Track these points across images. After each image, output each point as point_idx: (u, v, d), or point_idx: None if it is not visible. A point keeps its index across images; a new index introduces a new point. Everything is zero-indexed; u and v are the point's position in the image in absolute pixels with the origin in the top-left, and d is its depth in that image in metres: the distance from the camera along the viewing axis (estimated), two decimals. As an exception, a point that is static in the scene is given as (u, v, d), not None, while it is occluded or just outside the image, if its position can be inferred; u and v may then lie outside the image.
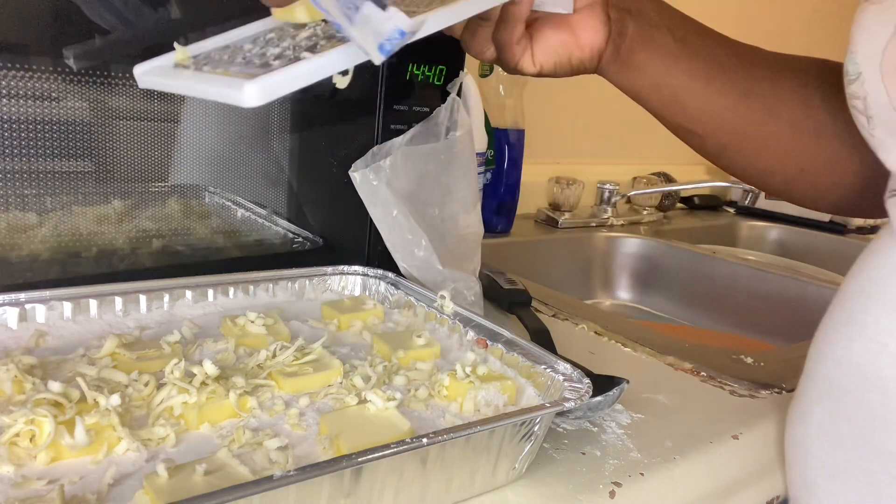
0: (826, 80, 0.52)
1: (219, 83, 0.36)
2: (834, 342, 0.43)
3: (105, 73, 0.54)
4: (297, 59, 0.37)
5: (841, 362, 0.42)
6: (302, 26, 0.41)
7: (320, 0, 0.35)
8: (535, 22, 0.51)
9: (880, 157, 0.43)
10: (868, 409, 0.40)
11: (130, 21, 0.53)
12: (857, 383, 0.41)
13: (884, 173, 0.43)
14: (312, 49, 0.38)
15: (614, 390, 0.49)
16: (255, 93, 0.34)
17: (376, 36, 0.34)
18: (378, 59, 0.34)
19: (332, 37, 0.39)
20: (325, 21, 0.40)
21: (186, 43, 0.41)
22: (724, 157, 0.57)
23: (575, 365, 0.44)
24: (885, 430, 0.39)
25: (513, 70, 0.52)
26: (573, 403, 0.40)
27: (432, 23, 0.39)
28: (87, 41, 0.48)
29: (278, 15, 0.41)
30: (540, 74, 0.52)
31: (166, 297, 0.54)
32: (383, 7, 0.33)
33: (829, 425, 0.43)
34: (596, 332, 0.69)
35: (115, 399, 0.38)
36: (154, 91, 0.57)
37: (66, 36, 0.52)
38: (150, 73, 0.40)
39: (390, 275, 0.61)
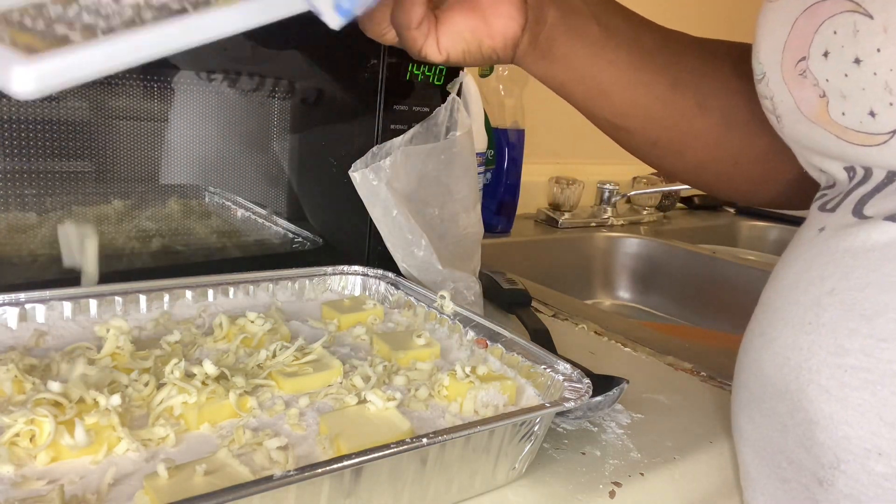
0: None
1: None
2: (749, 352, 0.43)
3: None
4: (111, 28, 0.28)
5: (756, 373, 0.42)
6: None
7: None
8: (441, 4, 0.46)
9: (797, 155, 0.43)
10: (779, 420, 0.40)
11: None
12: (769, 394, 0.41)
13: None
14: (133, 18, 0.29)
15: (614, 390, 0.49)
16: (29, 79, 0.25)
17: None
18: (335, 23, 0.30)
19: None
20: None
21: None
22: (654, 153, 0.55)
23: (575, 365, 0.44)
24: (794, 442, 0.39)
25: (417, 56, 0.47)
26: (573, 403, 0.40)
27: None
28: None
29: None
30: (447, 63, 0.48)
31: (166, 297, 0.54)
32: None
33: (750, 433, 0.43)
34: (596, 332, 0.69)
35: (116, 399, 0.38)
36: (154, 91, 0.57)
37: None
38: None
39: (390, 275, 0.61)
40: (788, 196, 0.54)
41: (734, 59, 0.51)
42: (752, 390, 0.42)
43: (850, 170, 0.39)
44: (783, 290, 0.41)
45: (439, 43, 0.46)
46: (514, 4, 0.47)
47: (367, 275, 0.63)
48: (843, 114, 0.36)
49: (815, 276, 0.38)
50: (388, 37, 0.48)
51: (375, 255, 0.66)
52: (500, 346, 0.50)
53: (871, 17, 0.34)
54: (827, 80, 0.37)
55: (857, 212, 0.38)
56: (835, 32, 0.36)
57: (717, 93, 0.50)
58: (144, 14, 0.29)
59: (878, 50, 0.33)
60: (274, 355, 0.46)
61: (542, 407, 0.40)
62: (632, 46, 0.49)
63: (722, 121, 0.51)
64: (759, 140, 0.50)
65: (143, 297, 0.52)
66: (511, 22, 0.47)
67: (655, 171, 1.43)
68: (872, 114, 0.35)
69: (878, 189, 0.37)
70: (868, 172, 0.38)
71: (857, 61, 0.35)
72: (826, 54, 0.36)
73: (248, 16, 0.30)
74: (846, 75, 0.35)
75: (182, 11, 0.29)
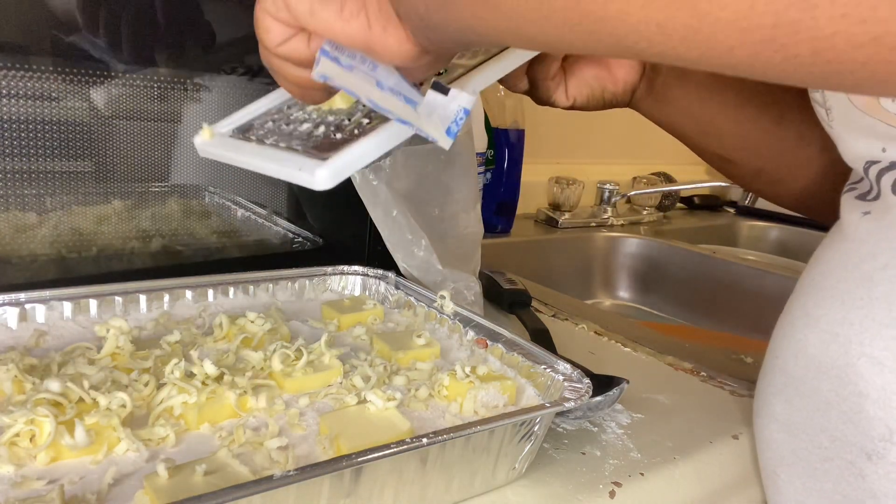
0: None
1: (288, 163, 0.36)
2: (790, 335, 0.44)
3: (105, 73, 0.54)
4: (357, 134, 0.37)
5: (797, 354, 0.43)
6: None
7: (375, 99, 0.34)
8: (569, 57, 0.51)
9: (839, 149, 0.44)
10: (822, 398, 0.41)
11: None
12: (811, 373, 0.42)
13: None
14: (368, 118, 0.38)
15: (614, 390, 0.49)
16: (327, 176, 0.35)
17: (443, 121, 0.33)
18: (447, 144, 0.34)
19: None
20: None
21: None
22: (758, 182, 0.58)
23: (575, 365, 0.44)
24: (839, 418, 0.40)
25: (544, 103, 0.53)
26: (573, 403, 0.40)
27: (480, 84, 0.40)
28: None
29: (324, 106, 0.41)
30: (572, 108, 0.53)
31: (166, 297, 0.54)
32: (445, 92, 0.33)
33: (786, 416, 0.44)
34: (596, 332, 0.69)
35: (123, 398, 0.38)
36: (154, 91, 0.57)
37: (66, 36, 0.52)
38: (210, 145, 0.41)
39: (390, 275, 0.61)
40: None
41: None
42: (791, 372, 0.43)
43: (870, 163, 0.41)
44: (829, 270, 0.42)
45: (567, 91, 0.52)
46: None
47: (367, 275, 0.63)
48: (894, 101, 0.38)
49: (866, 253, 0.40)
50: (521, 86, 0.52)
51: (375, 255, 0.66)
52: (500, 346, 0.50)
53: None
54: None
55: None
56: None
57: (817, 126, 0.54)
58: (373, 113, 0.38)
59: None
60: (274, 351, 0.46)
61: (542, 407, 0.40)
62: (738, 86, 0.54)
63: (822, 153, 0.53)
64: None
65: (143, 297, 0.52)
66: (632, 71, 0.53)
67: (658, 179, 1.43)
68: None
69: None
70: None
71: None
72: None
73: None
74: None
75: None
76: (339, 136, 0.37)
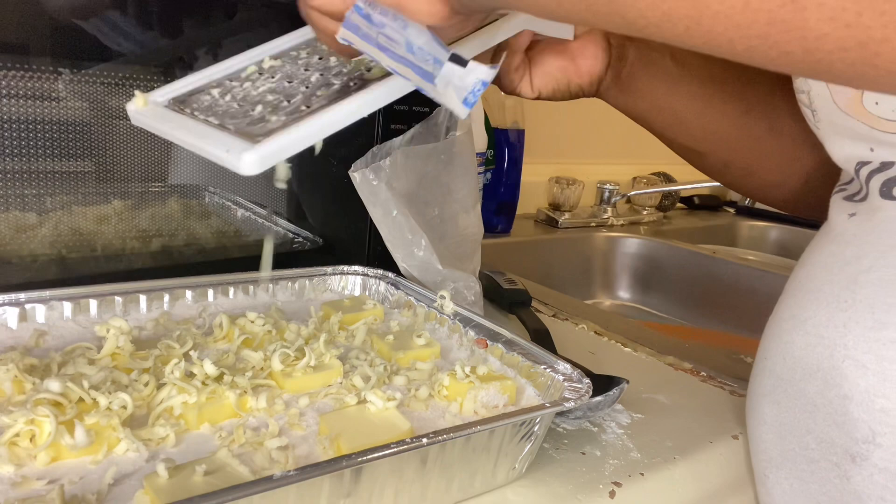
0: None
1: (216, 142, 0.35)
2: (778, 337, 0.44)
3: (105, 73, 0.54)
4: (294, 117, 0.36)
5: (784, 356, 0.43)
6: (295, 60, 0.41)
7: (394, 65, 0.34)
8: (534, 46, 0.51)
9: (828, 150, 0.44)
10: (809, 401, 0.41)
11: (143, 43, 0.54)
12: (798, 375, 0.42)
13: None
14: (308, 104, 0.37)
15: (614, 390, 0.49)
16: (253, 161, 0.33)
17: (459, 91, 0.33)
18: (464, 113, 0.34)
19: (335, 78, 0.38)
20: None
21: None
22: (727, 173, 0.58)
23: (575, 365, 0.44)
24: (825, 420, 0.40)
25: (510, 93, 0.52)
26: (573, 403, 0.40)
27: (469, 52, 0.40)
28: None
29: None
30: (539, 98, 0.53)
31: (166, 297, 0.54)
32: (463, 63, 0.33)
33: (774, 418, 0.44)
34: (596, 332, 0.69)
35: (123, 398, 0.38)
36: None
37: (66, 36, 0.52)
38: (143, 114, 0.39)
39: (390, 275, 0.61)
40: None
41: None
42: (779, 374, 0.44)
43: (861, 164, 0.41)
44: (815, 272, 0.42)
45: (532, 82, 0.52)
46: (599, 46, 0.52)
47: (367, 275, 0.63)
48: (877, 103, 0.38)
49: (851, 255, 0.40)
50: None
51: (375, 255, 0.66)
52: (500, 346, 0.50)
53: None
54: None
55: (886, 194, 0.39)
56: None
57: (786, 116, 0.53)
58: (317, 94, 0.38)
59: None
60: (274, 351, 0.46)
61: (542, 407, 0.40)
62: (705, 77, 0.53)
63: (791, 142, 0.53)
64: (828, 160, 0.53)
65: (143, 297, 0.52)
66: (596, 62, 0.52)
67: (655, 178, 1.43)
68: None
69: None
70: (886, 164, 0.39)
71: None
72: None
73: (394, 90, 0.38)
74: None
75: (345, 87, 0.38)
76: (274, 118, 0.36)
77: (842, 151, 0.42)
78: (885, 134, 0.38)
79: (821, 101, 0.42)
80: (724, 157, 0.56)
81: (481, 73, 0.33)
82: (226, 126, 0.36)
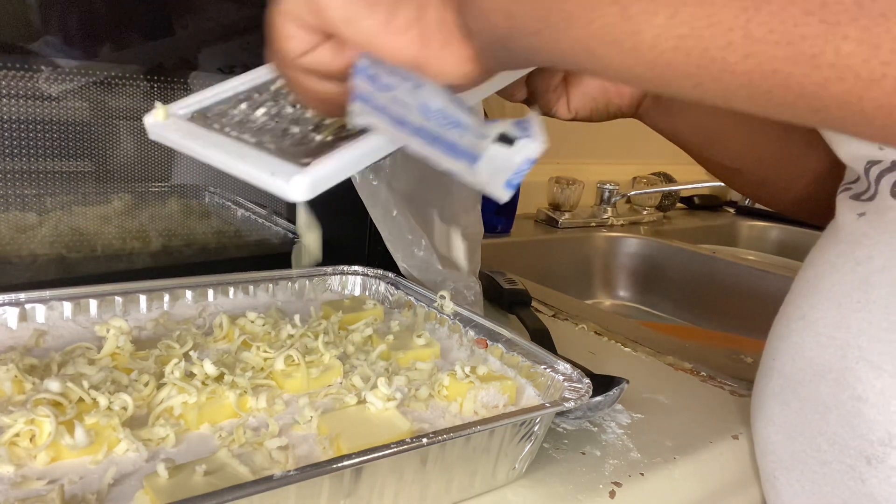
0: None
1: (257, 163, 0.31)
2: (787, 337, 0.44)
3: (105, 73, 0.54)
4: (342, 136, 0.32)
5: (794, 357, 0.43)
6: None
7: (422, 148, 0.29)
8: None
9: (834, 149, 0.43)
10: (820, 402, 0.41)
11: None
12: (809, 376, 0.42)
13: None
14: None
15: (614, 390, 0.49)
16: (305, 186, 0.30)
17: (503, 173, 0.28)
18: (506, 197, 0.29)
19: None
20: None
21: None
22: (762, 190, 0.58)
23: (575, 365, 0.44)
24: (837, 422, 0.40)
25: (545, 114, 0.50)
26: (573, 403, 0.40)
27: (478, 96, 0.37)
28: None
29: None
30: (574, 119, 0.51)
31: (166, 297, 0.54)
32: (511, 142, 0.28)
33: (783, 418, 0.44)
34: (596, 332, 0.69)
35: (123, 398, 0.38)
36: (155, 90, 0.57)
37: (66, 36, 0.52)
38: (164, 127, 0.36)
39: (390, 275, 0.61)
40: None
41: None
42: (789, 375, 0.43)
43: (871, 163, 0.40)
44: (824, 272, 0.42)
45: (570, 103, 0.50)
46: None
47: (367, 275, 0.63)
48: None
49: (862, 255, 0.40)
50: (518, 96, 0.50)
51: (375, 255, 0.66)
52: (500, 346, 0.50)
53: None
54: None
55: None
56: None
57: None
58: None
59: None
60: (278, 349, 0.46)
61: (542, 407, 0.40)
62: None
63: (826, 157, 0.52)
64: None
65: (143, 297, 0.52)
66: None
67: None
68: None
69: None
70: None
71: None
72: None
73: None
74: None
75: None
76: (318, 137, 0.33)
77: (849, 150, 0.42)
78: None
79: None
80: (761, 174, 0.55)
81: (532, 151, 0.28)
82: (265, 145, 0.33)
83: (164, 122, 0.36)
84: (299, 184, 0.30)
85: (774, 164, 0.55)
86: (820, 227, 0.47)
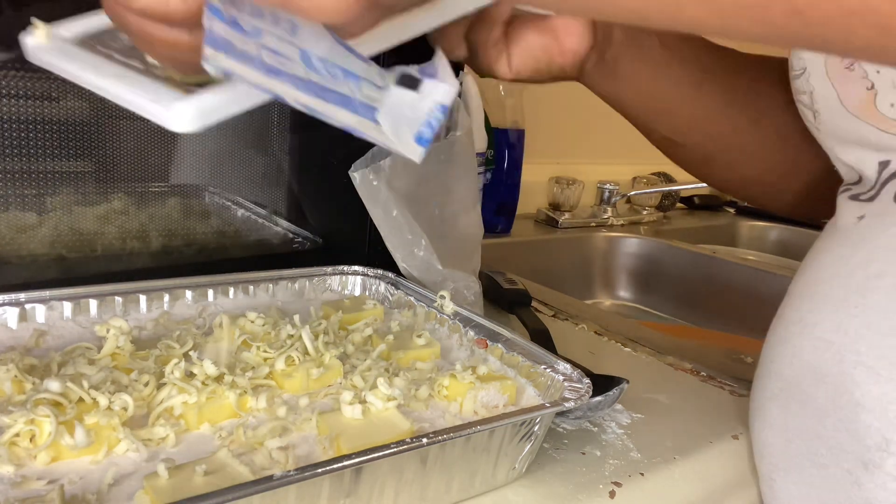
0: None
1: (140, 89, 0.27)
2: (785, 340, 0.43)
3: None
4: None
5: (792, 360, 0.42)
6: None
7: (318, 106, 0.24)
8: (513, 22, 0.47)
9: (830, 155, 0.43)
10: (818, 405, 0.40)
11: None
12: (807, 380, 0.41)
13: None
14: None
15: (614, 390, 0.49)
16: (189, 115, 0.26)
17: (410, 125, 0.24)
18: (417, 155, 0.25)
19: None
20: None
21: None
22: (706, 167, 0.56)
23: (575, 365, 0.44)
24: (835, 426, 0.40)
25: (485, 73, 0.48)
26: (573, 403, 0.40)
27: (417, 28, 0.30)
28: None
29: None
30: (515, 80, 0.48)
31: (166, 297, 0.54)
32: (415, 85, 0.23)
33: (781, 421, 0.43)
34: (596, 332, 0.69)
35: (123, 398, 0.38)
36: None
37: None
38: (44, 50, 0.31)
39: (390, 275, 0.61)
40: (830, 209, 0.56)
41: (782, 75, 0.52)
42: (787, 378, 0.43)
43: (884, 164, 0.39)
44: (822, 277, 0.41)
45: (510, 61, 0.47)
46: (584, 23, 0.48)
47: (367, 275, 0.63)
48: (892, 105, 0.37)
49: (860, 260, 0.39)
50: (458, 52, 0.47)
51: (375, 255, 0.66)
52: (500, 346, 0.50)
53: None
54: (878, 72, 0.37)
55: None
56: None
57: (769, 109, 0.51)
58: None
59: None
60: (279, 350, 0.46)
61: (542, 407, 0.40)
62: (692, 65, 0.51)
63: (775, 136, 0.52)
64: (809, 155, 0.51)
65: (143, 297, 0.52)
66: (581, 41, 0.48)
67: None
68: None
69: None
70: None
71: None
72: None
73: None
74: None
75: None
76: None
77: (845, 157, 0.42)
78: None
79: (825, 102, 0.41)
80: (705, 150, 0.54)
81: (441, 94, 0.23)
82: (153, 72, 0.28)
83: (45, 45, 0.31)
84: (182, 112, 0.26)
85: (721, 139, 0.53)
86: (816, 225, 0.47)
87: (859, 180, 0.42)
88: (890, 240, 0.38)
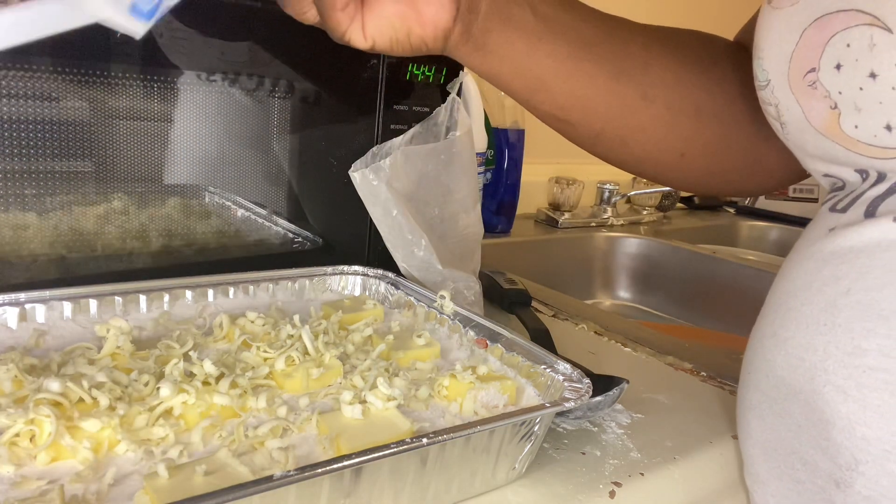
0: (702, 55, 0.49)
1: None
2: (760, 354, 0.42)
3: (105, 73, 0.54)
4: None
5: (767, 374, 0.41)
6: None
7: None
8: None
9: (800, 160, 0.42)
10: (793, 421, 0.40)
11: None
12: (782, 395, 0.40)
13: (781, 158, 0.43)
14: None
15: (614, 390, 0.49)
16: None
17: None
18: (140, 29, 0.22)
19: None
20: None
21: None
22: (598, 145, 0.53)
23: (575, 365, 0.44)
24: (809, 443, 0.39)
25: (340, 41, 0.44)
26: (573, 403, 0.40)
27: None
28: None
29: None
30: (373, 50, 0.44)
31: (166, 297, 0.54)
32: None
33: (760, 433, 0.43)
34: (596, 332, 0.69)
35: (123, 399, 0.38)
36: (154, 90, 0.57)
37: (66, 36, 0.52)
38: None
39: (390, 275, 0.61)
40: (738, 186, 0.53)
41: (680, 46, 0.49)
42: (764, 391, 0.42)
43: (863, 172, 0.39)
44: (795, 290, 0.40)
45: (365, 28, 0.43)
46: None
47: (367, 275, 0.63)
48: (857, 126, 0.36)
49: (829, 276, 0.38)
50: (309, 16, 0.43)
51: (375, 255, 0.66)
52: (500, 346, 0.50)
53: (890, 30, 0.33)
54: (840, 93, 0.36)
55: (870, 213, 0.37)
56: (848, 45, 0.35)
57: (662, 83, 0.49)
58: None
59: None
60: (279, 350, 0.46)
61: (542, 407, 0.40)
62: (571, 37, 0.47)
63: (667, 112, 0.49)
64: (705, 131, 0.49)
65: (143, 297, 0.52)
66: (442, 10, 0.43)
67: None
68: (889, 128, 0.35)
69: (892, 191, 0.37)
70: (882, 176, 0.37)
71: (873, 75, 0.34)
72: (839, 67, 0.36)
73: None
74: (861, 89, 0.35)
75: None
76: None
77: (823, 168, 0.41)
78: (867, 158, 0.37)
79: (791, 116, 0.40)
80: (595, 127, 0.51)
81: None
82: None
83: None
84: None
85: (608, 116, 0.50)
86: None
87: (843, 186, 0.41)
88: (857, 256, 0.37)
